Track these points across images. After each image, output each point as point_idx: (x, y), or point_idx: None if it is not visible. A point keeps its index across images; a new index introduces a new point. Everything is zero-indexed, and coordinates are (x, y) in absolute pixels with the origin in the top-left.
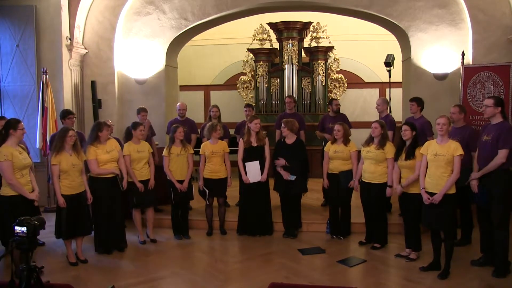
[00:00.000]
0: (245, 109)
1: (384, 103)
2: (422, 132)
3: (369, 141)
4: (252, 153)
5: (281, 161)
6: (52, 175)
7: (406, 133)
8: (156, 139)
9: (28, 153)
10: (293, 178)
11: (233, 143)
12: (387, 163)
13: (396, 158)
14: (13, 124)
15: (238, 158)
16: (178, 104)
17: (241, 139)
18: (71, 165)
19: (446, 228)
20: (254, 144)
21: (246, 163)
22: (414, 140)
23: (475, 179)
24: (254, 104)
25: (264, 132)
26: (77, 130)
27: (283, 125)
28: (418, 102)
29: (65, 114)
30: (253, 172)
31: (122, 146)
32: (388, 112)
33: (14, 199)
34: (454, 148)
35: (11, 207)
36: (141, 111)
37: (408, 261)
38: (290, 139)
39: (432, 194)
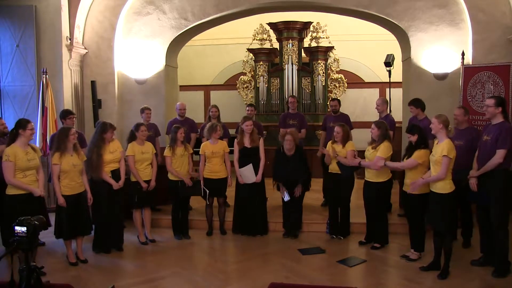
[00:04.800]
0: (247, 108)
1: (383, 103)
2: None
3: (372, 141)
4: (246, 154)
5: (286, 196)
6: (52, 174)
7: (411, 139)
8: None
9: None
10: (286, 198)
11: (232, 143)
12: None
13: (403, 156)
14: (22, 124)
15: (234, 159)
16: (178, 104)
17: (235, 140)
18: (71, 165)
19: (443, 227)
20: (248, 145)
21: (240, 169)
22: (418, 142)
23: (474, 177)
24: (254, 104)
25: (264, 132)
26: (76, 130)
27: (289, 137)
28: (416, 104)
29: (66, 114)
30: (247, 175)
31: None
32: (388, 112)
33: (19, 198)
34: (442, 148)
35: (16, 206)
36: (145, 109)
37: (408, 261)
38: (290, 150)
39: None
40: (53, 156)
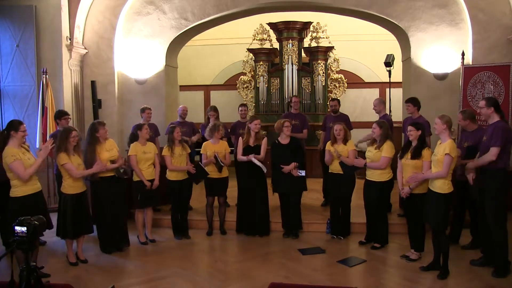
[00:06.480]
0: (240, 108)
1: (380, 104)
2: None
3: (373, 141)
4: (249, 152)
5: (288, 167)
6: (70, 172)
7: (412, 133)
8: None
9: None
10: (302, 172)
11: (230, 143)
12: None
13: (401, 156)
14: (14, 125)
15: (238, 154)
16: (181, 106)
17: (240, 137)
18: (76, 165)
19: (436, 226)
20: (252, 144)
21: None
22: (421, 140)
23: (471, 171)
24: (254, 104)
25: (264, 132)
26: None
27: (288, 123)
28: (414, 102)
29: (61, 115)
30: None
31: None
32: (388, 112)
33: (24, 200)
34: (444, 147)
35: (20, 208)
36: (146, 109)
37: (408, 261)
38: (285, 139)
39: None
40: (60, 156)
